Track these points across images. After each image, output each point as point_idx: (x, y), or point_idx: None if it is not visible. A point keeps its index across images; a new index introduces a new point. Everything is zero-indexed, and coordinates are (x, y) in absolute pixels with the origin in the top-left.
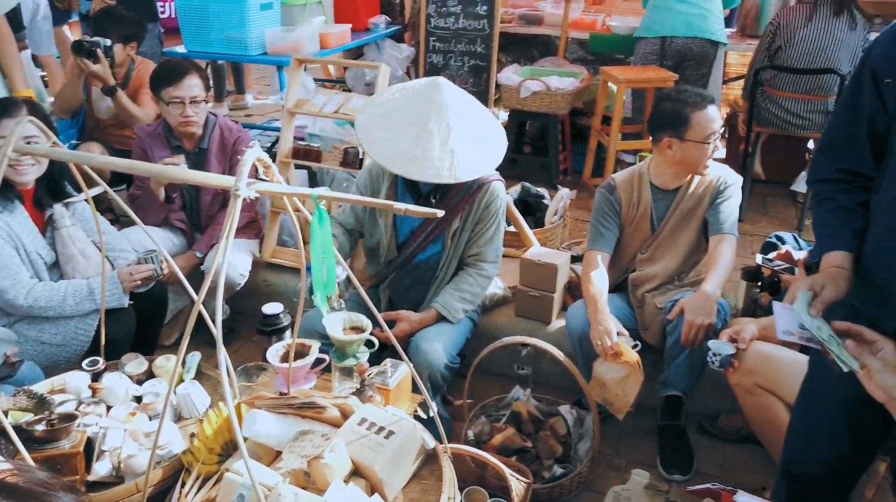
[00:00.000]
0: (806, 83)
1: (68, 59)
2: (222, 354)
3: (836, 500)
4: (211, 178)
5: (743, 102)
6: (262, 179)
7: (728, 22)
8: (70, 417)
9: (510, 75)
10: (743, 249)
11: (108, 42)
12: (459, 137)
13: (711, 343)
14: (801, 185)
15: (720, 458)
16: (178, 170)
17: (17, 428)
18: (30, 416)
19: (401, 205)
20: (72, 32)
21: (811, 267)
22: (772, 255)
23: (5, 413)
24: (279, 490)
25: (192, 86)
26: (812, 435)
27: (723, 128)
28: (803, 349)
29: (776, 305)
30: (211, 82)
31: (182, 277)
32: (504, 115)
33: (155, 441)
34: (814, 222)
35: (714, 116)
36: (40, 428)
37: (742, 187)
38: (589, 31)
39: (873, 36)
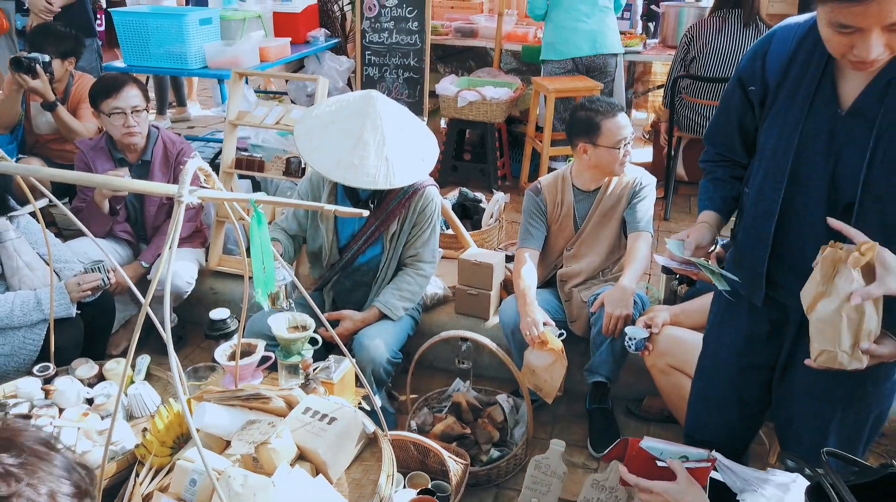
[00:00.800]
0: (719, 90)
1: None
2: (171, 350)
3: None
4: (154, 187)
5: (664, 110)
6: (203, 187)
7: (654, 34)
8: (25, 417)
9: (448, 86)
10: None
11: (47, 58)
12: (393, 146)
13: (628, 329)
14: None
15: (644, 435)
16: (123, 180)
17: None
18: None
19: (330, 207)
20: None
21: (721, 257)
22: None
23: None
24: (229, 472)
25: (132, 96)
26: (706, 405)
27: (634, 135)
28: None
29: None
30: (152, 95)
31: (131, 285)
32: (443, 124)
33: (109, 433)
34: (699, 192)
35: (623, 123)
36: None
37: (666, 189)
38: (521, 43)
39: None
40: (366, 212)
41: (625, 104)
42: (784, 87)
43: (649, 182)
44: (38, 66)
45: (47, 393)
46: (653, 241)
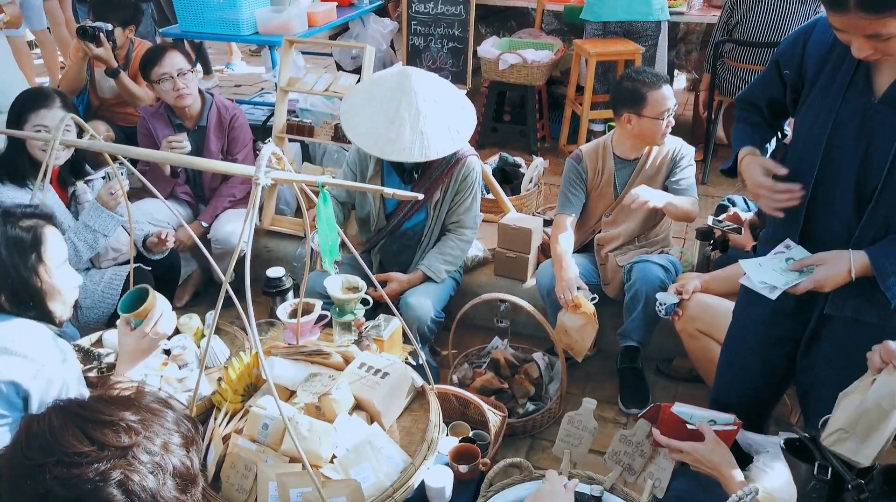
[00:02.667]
0: (761, 54)
1: (59, 33)
2: (251, 313)
3: (754, 426)
4: (234, 168)
5: (705, 75)
6: (273, 168)
7: None
8: (113, 366)
9: (489, 48)
10: (705, 211)
11: (110, 26)
12: (428, 120)
13: (659, 294)
14: None
15: (673, 394)
16: (208, 161)
17: None
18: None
19: (389, 190)
20: (61, 8)
21: (755, 224)
22: (722, 217)
23: None
24: (297, 418)
25: (176, 61)
26: (733, 372)
27: (677, 105)
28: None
29: (743, 264)
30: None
31: (203, 249)
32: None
33: (198, 381)
34: (732, 138)
35: (668, 94)
36: (93, 374)
37: (706, 152)
38: (563, 3)
39: (823, 8)
40: (420, 196)
41: (667, 67)
42: (822, 74)
43: (689, 152)
44: (101, 34)
45: None
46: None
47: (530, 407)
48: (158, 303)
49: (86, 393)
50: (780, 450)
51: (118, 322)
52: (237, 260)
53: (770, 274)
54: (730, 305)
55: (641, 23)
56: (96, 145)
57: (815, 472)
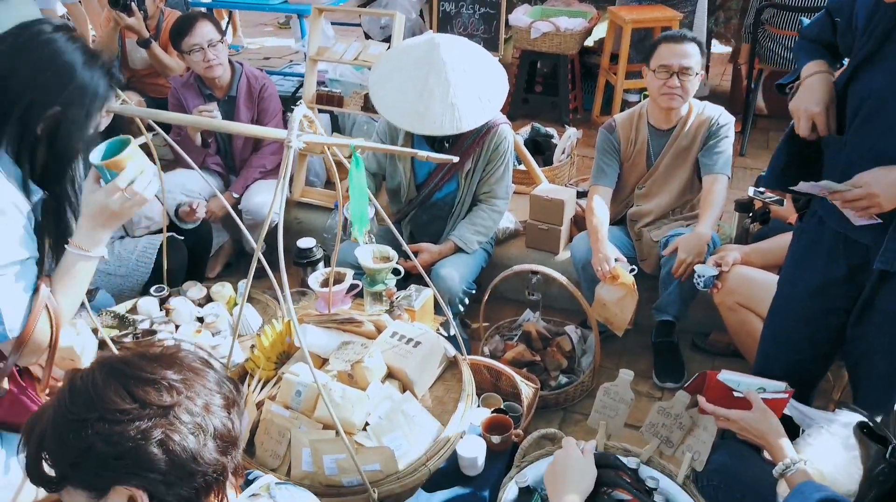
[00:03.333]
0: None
1: (90, 5)
2: (284, 280)
3: (798, 399)
4: (266, 131)
5: (744, 44)
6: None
7: None
8: (151, 332)
9: (521, 16)
10: (744, 182)
11: None
12: (458, 91)
13: (697, 267)
14: None
15: (709, 369)
16: (241, 125)
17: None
18: (115, 332)
19: (423, 153)
20: None
21: (797, 197)
22: (763, 188)
23: (95, 331)
24: (330, 385)
25: (207, 31)
26: (777, 343)
27: (699, 73)
28: (780, 271)
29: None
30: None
31: (237, 218)
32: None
33: (231, 347)
34: (794, 54)
35: (681, 52)
36: (128, 340)
37: (744, 122)
38: None
39: None
40: (455, 159)
41: (704, 34)
42: (868, 28)
43: (727, 122)
44: (132, 3)
45: (167, 312)
46: (729, 184)
47: (563, 379)
48: (139, 157)
49: None
50: (839, 428)
51: (89, 173)
52: (268, 230)
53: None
54: (772, 278)
55: None
56: (129, 110)
57: (886, 455)
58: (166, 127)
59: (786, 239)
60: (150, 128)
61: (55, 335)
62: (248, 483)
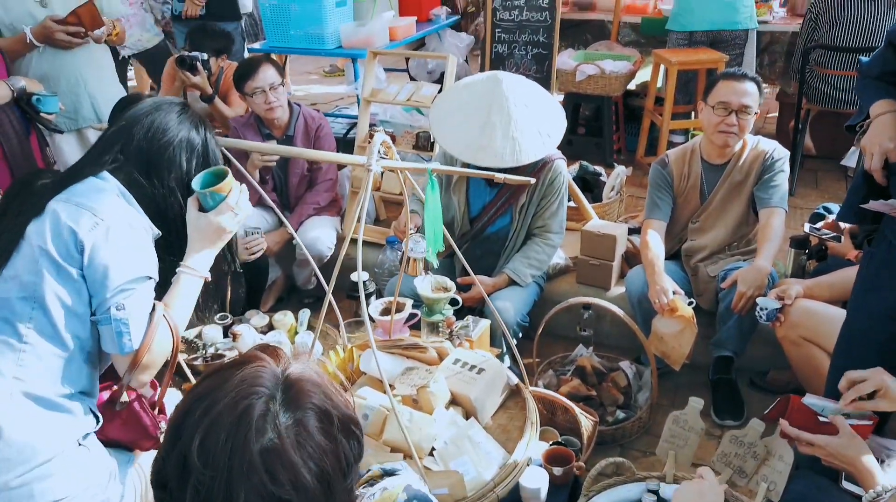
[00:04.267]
0: (851, 60)
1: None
2: (364, 307)
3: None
4: (344, 158)
5: (792, 83)
6: (384, 157)
7: (780, 3)
8: (219, 356)
9: (566, 60)
10: (793, 222)
11: (206, 56)
12: (519, 125)
13: (759, 300)
14: (850, 160)
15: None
16: (320, 153)
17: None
18: (185, 356)
19: (501, 175)
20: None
21: (855, 233)
22: (819, 225)
23: None
24: (397, 409)
25: (269, 75)
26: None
27: (749, 110)
28: (844, 305)
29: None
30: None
31: (308, 256)
32: (559, 98)
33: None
34: (859, 93)
35: (739, 90)
36: (199, 362)
37: (792, 162)
38: (641, 15)
39: None
40: (532, 180)
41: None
42: None
43: (782, 156)
44: (198, 63)
45: (234, 337)
46: (787, 217)
47: (620, 415)
48: (234, 181)
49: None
50: None
51: (188, 202)
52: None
53: None
54: (837, 311)
55: (729, 31)
56: (230, 142)
57: None
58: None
59: (849, 272)
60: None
61: (175, 351)
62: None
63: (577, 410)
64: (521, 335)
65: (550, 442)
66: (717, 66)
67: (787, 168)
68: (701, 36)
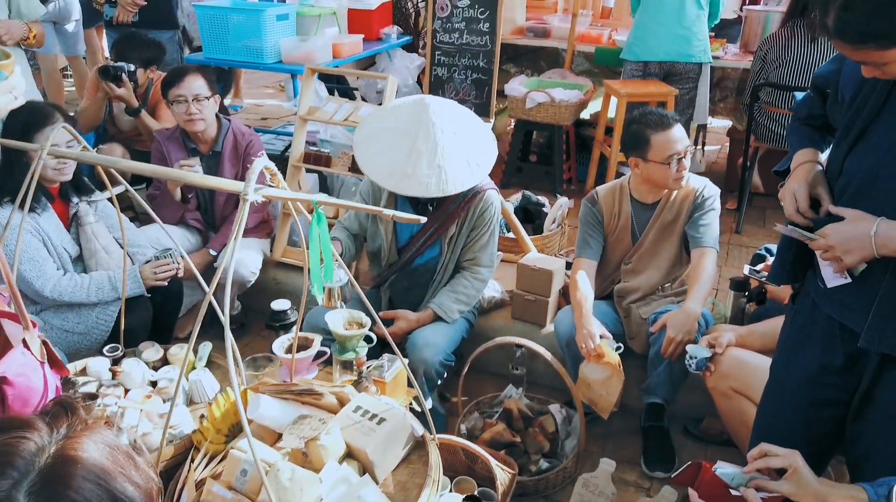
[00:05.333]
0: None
1: (94, 61)
2: (229, 342)
3: None
4: (223, 183)
5: (744, 119)
6: (269, 185)
7: (733, 39)
8: (91, 397)
9: (517, 86)
10: (739, 261)
11: (132, 67)
12: (447, 153)
13: (689, 347)
14: None
15: (702, 458)
16: (195, 174)
17: None
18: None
19: (389, 212)
20: (97, 37)
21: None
22: (759, 267)
23: None
24: (278, 466)
25: (196, 85)
26: (771, 438)
27: (691, 148)
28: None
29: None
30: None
31: (197, 273)
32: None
33: (167, 420)
34: (788, 135)
35: (676, 137)
36: None
37: (740, 200)
38: (595, 45)
39: None
40: (423, 219)
41: (706, 112)
42: (855, 103)
43: (713, 193)
44: (123, 74)
45: (114, 375)
46: (718, 257)
47: (544, 464)
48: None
49: None
50: None
51: None
52: (247, 291)
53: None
54: (767, 363)
55: (683, 64)
56: (88, 156)
57: None
58: (148, 179)
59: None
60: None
61: None
62: None
63: (492, 462)
64: (444, 375)
65: (465, 496)
66: (667, 99)
67: (717, 206)
68: (655, 67)
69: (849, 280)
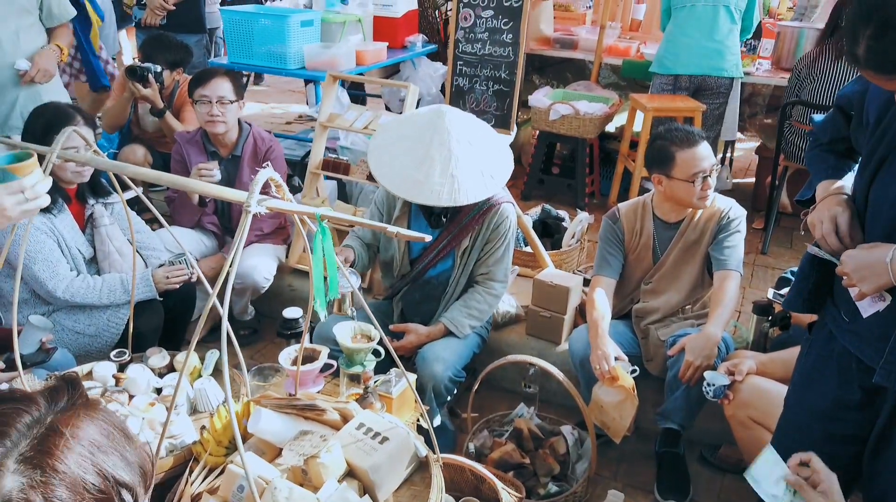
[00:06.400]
0: None
1: (122, 62)
2: (225, 355)
3: None
4: (226, 192)
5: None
6: (274, 197)
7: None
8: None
9: (541, 97)
10: (764, 282)
11: (159, 68)
12: (461, 163)
13: (707, 373)
14: None
15: (718, 488)
16: (198, 182)
17: None
18: None
19: (393, 229)
20: (128, 38)
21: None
22: (784, 291)
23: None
24: (275, 484)
25: (221, 87)
26: None
27: (718, 167)
28: None
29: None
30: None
31: (203, 278)
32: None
33: (164, 428)
34: (808, 162)
35: (702, 155)
36: None
37: (767, 220)
38: (622, 58)
39: None
40: (428, 238)
41: (735, 129)
42: (879, 128)
43: (739, 215)
44: (150, 75)
45: (118, 381)
46: (742, 281)
47: (553, 488)
48: (39, 170)
49: None
50: None
51: None
52: (260, 296)
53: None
54: None
55: (715, 78)
56: (95, 160)
57: None
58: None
59: None
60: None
61: None
62: None
63: (498, 485)
64: (454, 391)
65: None
66: (694, 114)
67: (743, 228)
68: (686, 81)
69: (884, 304)
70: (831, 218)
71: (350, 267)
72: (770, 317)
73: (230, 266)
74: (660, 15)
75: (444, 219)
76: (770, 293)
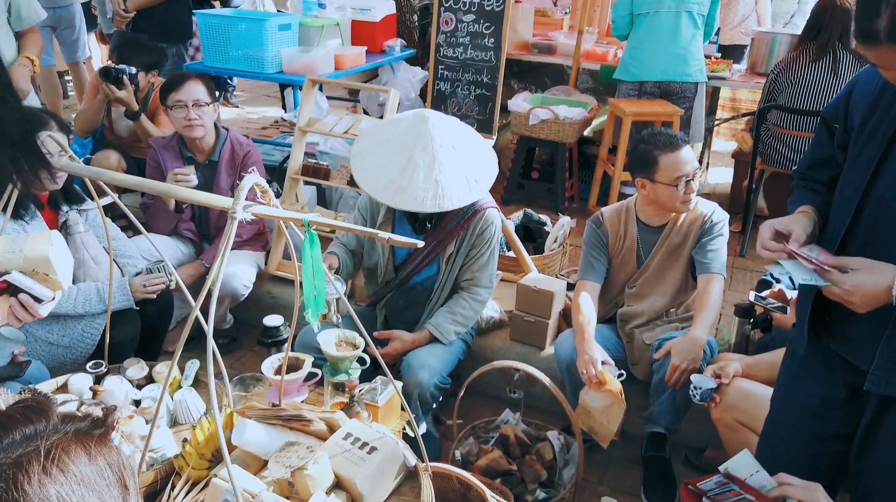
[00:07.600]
0: (808, 122)
1: (79, 72)
2: (210, 366)
3: None
4: (211, 199)
5: (747, 139)
6: (260, 202)
7: (738, 60)
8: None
9: (520, 102)
10: (744, 284)
11: (134, 70)
12: (445, 168)
13: (694, 377)
14: None
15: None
16: (183, 189)
17: None
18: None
19: (384, 234)
20: (98, 44)
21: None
22: (765, 293)
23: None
24: (262, 497)
25: (195, 91)
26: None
27: (700, 170)
28: None
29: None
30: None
31: (184, 288)
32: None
33: (147, 442)
34: (790, 206)
35: (685, 159)
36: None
37: (744, 223)
38: (600, 62)
39: None
40: (420, 243)
41: (703, 132)
42: (866, 129)
43: (722, 219)
44: (124, 77)
45: (95, 394)
46: (725, 283)
47: (540, 494)
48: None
49: None
50: None
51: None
52: (239, 304)
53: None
54: None
55: (679, 84)
56: (71, 166)
57: None
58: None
59: None
60: (101, 192)
61: None
62: None
63: (487, 493)
64: (440, 398)
65: None
66: (672, 119)
67: (726, 232)
68: (651, 87)
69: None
70: (769, 226)
71: (335, 274)
72: (752, 320)
73: (217, 274)
74: (612, 22)
75: (429, 225)
76: (751, 296)
